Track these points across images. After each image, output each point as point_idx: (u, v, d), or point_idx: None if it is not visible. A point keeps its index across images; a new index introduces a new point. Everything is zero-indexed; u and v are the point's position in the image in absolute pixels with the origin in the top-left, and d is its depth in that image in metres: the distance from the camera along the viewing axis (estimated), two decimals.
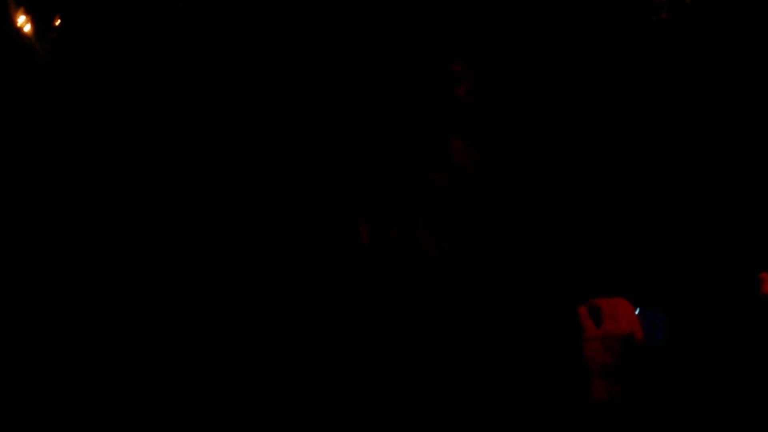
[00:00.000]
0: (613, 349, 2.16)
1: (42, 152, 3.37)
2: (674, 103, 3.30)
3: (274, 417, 2.92)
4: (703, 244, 3.10)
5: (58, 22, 3.46)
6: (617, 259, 3.08)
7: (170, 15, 3.38)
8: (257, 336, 3.12)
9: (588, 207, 3.14)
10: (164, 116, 3.37)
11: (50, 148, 3.37)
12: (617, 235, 3.12)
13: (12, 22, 3.39)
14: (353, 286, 2.98)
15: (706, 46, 3.31)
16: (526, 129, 3.26)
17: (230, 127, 3.38)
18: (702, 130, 3.29)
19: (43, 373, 3.18)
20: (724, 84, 3.27)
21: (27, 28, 3.42)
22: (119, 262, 3.29)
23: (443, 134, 3.13)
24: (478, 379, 2.59)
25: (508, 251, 3.02)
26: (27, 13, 3.41)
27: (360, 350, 2.87)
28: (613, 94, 3.31)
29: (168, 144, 3.36)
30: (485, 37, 3.28)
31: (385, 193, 3.06)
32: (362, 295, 2.95)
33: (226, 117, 3.38)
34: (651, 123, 3.28)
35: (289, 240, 3.23)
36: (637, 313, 2.43)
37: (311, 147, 3.27)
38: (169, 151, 3.36)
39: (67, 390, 3.16)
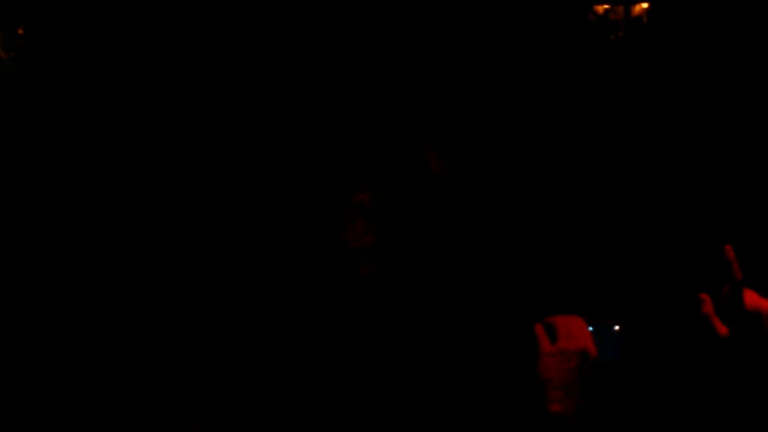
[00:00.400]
0: (567, 365, 2.21)
1: (15, 160, 3.37)
2: (630, 121, 3.35)
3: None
4: (653, 262, 3.16)
5: (22, 32, 3.46)
6: (570, 277, 3.14)
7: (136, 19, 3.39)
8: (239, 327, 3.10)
9: (542, 225, 3.19)
10: (134, 118, 3.37)
11: (24, 156, 3.37)
12: (570, 254, 3.17)
13: None
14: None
15: (664, 62, 3.36)
16: (488, 142, 3.29)
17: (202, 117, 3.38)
18: (655, 147, 3.34)
19: (43, 373, 3.17)
20: (680, 101, 3.32)
21: None
22: (114, 261, 3.29)
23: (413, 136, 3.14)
24: (435, 385, 2.62)
25: (462, 268, 3.06)
26: None
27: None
28: (573, 110, 3.35)
29: (142, 142, 3.36)
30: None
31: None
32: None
33: (198, 108, 3.38)
34: (603, 140, 3.33)
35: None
36: (590, 330, 2.48)
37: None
38: (143, 148, 3.36)
39: (67, 390, 3.15)
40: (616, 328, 2.55)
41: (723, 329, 1.94)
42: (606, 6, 3.37)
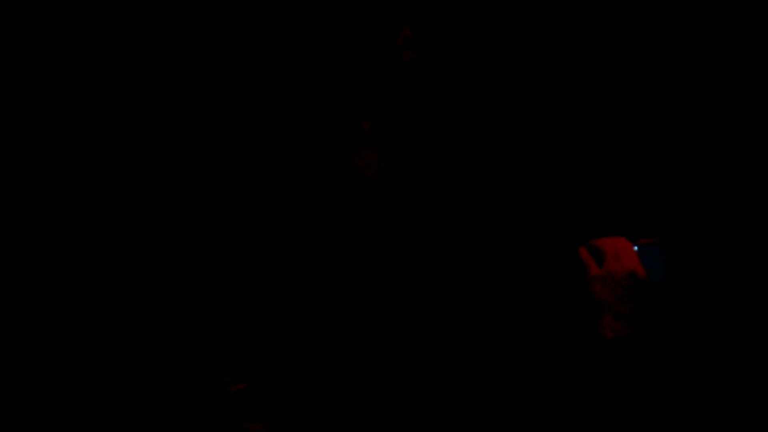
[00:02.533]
0: (617, 288, 2.13)
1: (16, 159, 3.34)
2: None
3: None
4: (698, 177, 3.07)
5: None
6: (611, 198, 3.05)
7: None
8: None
9: (582, 144, 3.10)
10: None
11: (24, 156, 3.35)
12: (610, 173, 3.09)
13: None
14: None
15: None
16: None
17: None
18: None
19: (43, 373, 3.17)
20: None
21: None
22: (117, 262, 3.28)
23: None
24: (482, 323, 2.56)
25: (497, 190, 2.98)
26: None
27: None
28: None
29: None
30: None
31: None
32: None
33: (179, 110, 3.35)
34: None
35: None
36: (636, 249, 2.40)
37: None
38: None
39: (67, 390, 3.16)
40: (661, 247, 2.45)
41: None
42: None
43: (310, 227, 2.86)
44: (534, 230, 2.75)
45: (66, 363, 3.19)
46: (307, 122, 3.15)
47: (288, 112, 3.23)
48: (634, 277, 2.16)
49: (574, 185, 3.00)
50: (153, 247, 3.25)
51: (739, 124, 3.09)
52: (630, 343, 2.04)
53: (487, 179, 2.91)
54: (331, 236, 2.82)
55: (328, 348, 2.70)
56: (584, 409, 2.12)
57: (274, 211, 3.14)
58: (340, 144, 2.75)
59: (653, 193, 3.04)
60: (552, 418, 2.44)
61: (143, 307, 3.18)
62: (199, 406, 2.77)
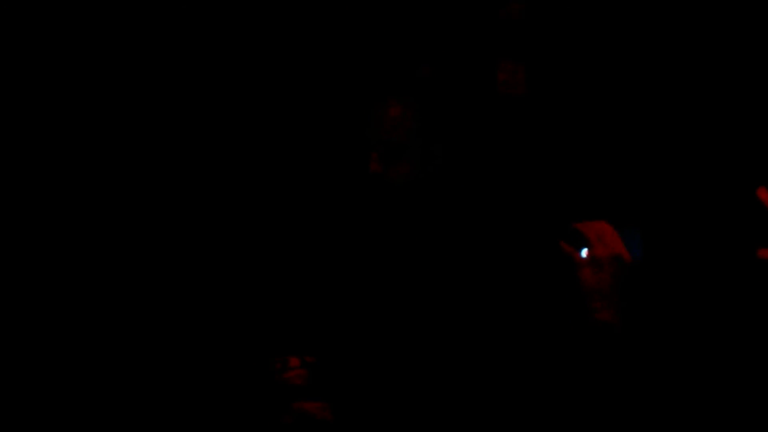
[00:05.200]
0: (603, 272, 2.16)
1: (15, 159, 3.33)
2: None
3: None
4: (675, 158, 3.11)
5: None
6: (590, 181, 3.08)
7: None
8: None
9: (563, 130, 3.13)
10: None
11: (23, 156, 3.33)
12: (589, 157, 3.12)
13: None
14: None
15: None
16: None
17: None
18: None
19: (43, 373, 3.15)
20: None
21: None
22: (119, 262, 3.27)
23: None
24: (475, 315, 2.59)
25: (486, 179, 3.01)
26: None
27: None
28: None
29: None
30: None
31: None
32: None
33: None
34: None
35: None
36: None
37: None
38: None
39: (67, 390, 3.14)
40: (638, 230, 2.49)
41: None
42: None
43: (353, 218, 2.89)
44: (518, 218, 2.78)
45: (136, 346, 3.20)
46: (338, 127, 3.18)
47: (322, 118, 3.27)
48: (619, 260, 2.19)
49: (552, 174, 3.03)
50: (214, 240, 3.27)
51: (710, 112, 3.13)
52: (621, 325, 2.08)
53: (470, 170, 2.94)
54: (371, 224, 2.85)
55: (380, 332, 2.74)
56: (579, 395, 2.15)
57: (320, 202, 3.17)
58: (369, 149, 2.76)
59: (627, 179, 3.08)
60: (547, 405, 2.48)
61: (212, 297, 3.21)
62: (260, 388, 2.80)
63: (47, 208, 3.33)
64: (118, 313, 3.28)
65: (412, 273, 2.75)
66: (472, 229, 2.76)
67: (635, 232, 2.57)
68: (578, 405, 2.08)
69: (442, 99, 2.84)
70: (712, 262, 2.92)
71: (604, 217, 2.54)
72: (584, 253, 2.30)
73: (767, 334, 2.44)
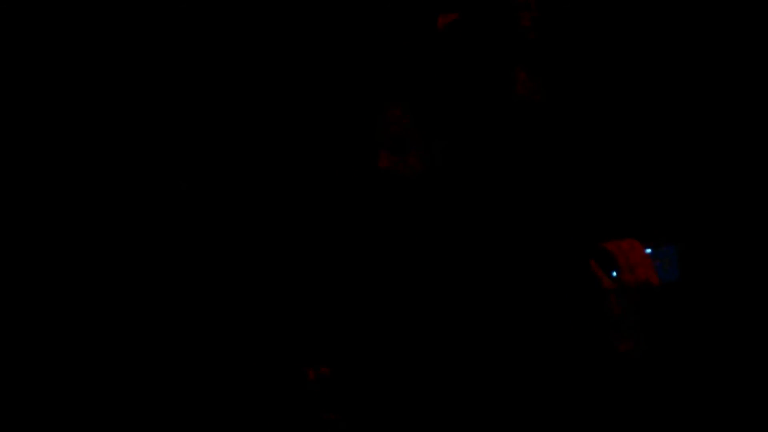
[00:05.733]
0: (631, 299, 2.05)
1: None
2: None
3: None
4: (710, 172, 3.01)
5: None
6: (621, 197, 2.98)
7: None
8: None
9: (589, 142, 3.04)
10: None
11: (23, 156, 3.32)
12: (618, 172, 3.02)
13: None
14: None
15: None
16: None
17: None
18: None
19: (43, 373, 3.15)
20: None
21: None
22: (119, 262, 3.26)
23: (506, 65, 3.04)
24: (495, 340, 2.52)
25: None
26: None
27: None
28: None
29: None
30: None
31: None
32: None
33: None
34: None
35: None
36: (648, 252, 2.32)
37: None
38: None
39: (67, 390, 3.14)
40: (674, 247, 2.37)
41: None
42: None
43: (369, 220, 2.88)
44: (546, 237, 2.70)
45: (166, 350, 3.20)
46: (348, 120, 3.14)
47: (330, 110, 3.23)
48: (648, 288, 2.08)
49: (584, 188, 2.94)
50: (227, 243, 3.27)
51: (750, 126, 3.03)
52: (646, 355, 1.97)
53: (499, 184, 2.87)
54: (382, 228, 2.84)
55: (400, 341, 2.72)
56: (602, 423, 2.05)
57: (333, 200, 3.14)
58: (379, 143, 2.75)
59: (663, 195, 2.97)
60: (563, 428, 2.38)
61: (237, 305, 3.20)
62: (282, 397, 2.81)
63: (48, 208, 3.32)
64: (129, 316, 3.26)
65: (425, 275, 2.71)
66: (490, 240, 2.70)
67: (672, 249, 2.46)
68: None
69: (451, 98, 2.80)
70: (757, 281, 2.80)
71: (638, 233, 2.43)
72: (613, 275, 2.20)
73: None
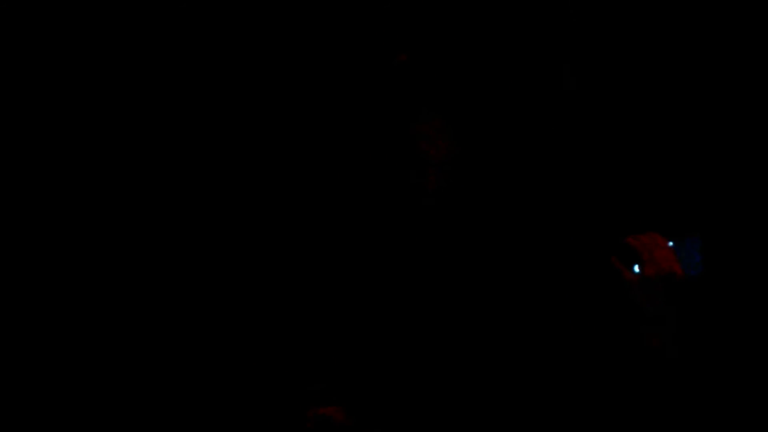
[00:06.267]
0: (655, 292, 2.01)
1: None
2: None
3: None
4: (733, 165, 2.97)
5: None
6: (642, 190, 2.95)
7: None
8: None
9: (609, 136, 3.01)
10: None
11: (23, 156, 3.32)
12: (639, 166, 2.99)
13: None
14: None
15: None
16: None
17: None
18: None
19: (43, 373, 3.14)
20: None
21: None
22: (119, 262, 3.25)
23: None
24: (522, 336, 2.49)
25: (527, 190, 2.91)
26: None
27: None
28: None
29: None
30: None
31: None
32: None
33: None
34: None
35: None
36: (671, 245, 2.28)
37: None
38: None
39: (67, 390, 3.13)
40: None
41: None
42: None
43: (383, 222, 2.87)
44: (569, 232, 2.67)
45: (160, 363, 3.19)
46: (381, 117, 3.12)
47: (365, 108, 3.21)
48: (672, 279, 2.04)
49: (605, 181, 2.91)
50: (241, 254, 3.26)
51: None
52: (674, 348, 1.93)
53: (523, 181, 2.84)
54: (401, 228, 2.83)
55: (394, 335, 2.70)
56: (631, 419, 2.01)
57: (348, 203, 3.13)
58: (410, 136, 2.73)
59: (686, 187, 2.94)
60: (595, 428, 2.34)
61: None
62: (279, 391, 2.79)
63: (48, 208, 3.31)
64: (122, 315, 3.25)
65: (444, 268, 2.69)
66: (511, 239, 2.67)
67: (695, 241, 2.42)
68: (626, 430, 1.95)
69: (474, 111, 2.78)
70: None
71: (660, 228, 2.39)
72: (635, 269, 2.16)
73: None
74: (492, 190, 2.75)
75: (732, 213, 2.85)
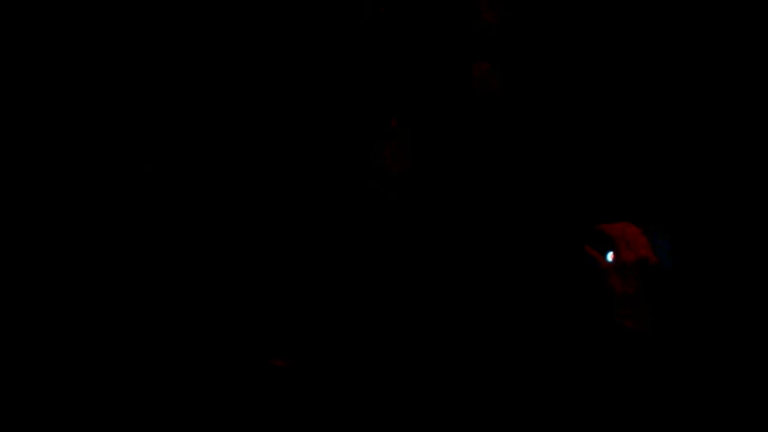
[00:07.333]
0: (631, 276, 2.04)
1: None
2: None
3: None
4: (703, 159, 3.01)
5: None
6: (616, 181, 2.99)
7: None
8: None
9: (583, 127, 3.04)
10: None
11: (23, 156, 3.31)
12: (614, 158, 3.02)
13: None
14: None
15: None
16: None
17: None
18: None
19: (43, 373, 3.14)
20: None
21: None
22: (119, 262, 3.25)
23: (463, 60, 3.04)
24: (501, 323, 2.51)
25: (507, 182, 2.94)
26: None
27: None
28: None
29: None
30: None
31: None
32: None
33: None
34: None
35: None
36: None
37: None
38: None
39: (67, 390, 3.13)
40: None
41: None
42: None
43: (338, 218, 2.88)
44: (543, 221, 2.70)
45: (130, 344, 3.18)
46: (337, 120, 3.13)
47: (320, 111, 3.22)
48: (647, 264, 2.07)
49: (577, 174, 2.94)
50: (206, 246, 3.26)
51: (744, 115, 3.03)
52: (649, 331, 1.96)
53: (494, 172, 2.87)
54: (357, 227, 2.83)
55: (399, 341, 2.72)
56: (607, 401, 2.04)
57: (303, 203, 3.13)
58: (368, 141, 2.75)
59: (656, 181, 2.98)
60: (574, 412, 2.37)
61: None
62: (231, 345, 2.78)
63: (48, 208, 3.30)
64: (124, 316, 3.26)
65: (426, 280, 2.70)
66: (485, 234, 2.70)
67: (664, 236, 2.45)
68: (601, 414, 1.97)
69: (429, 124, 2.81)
70: (745, 266, 2.80)
71: (630, 220, 2.42)
72: (609, 256, 2.19)
73: None
74: (461, 177, 2.78)
75: (701, 207, 2.90)
